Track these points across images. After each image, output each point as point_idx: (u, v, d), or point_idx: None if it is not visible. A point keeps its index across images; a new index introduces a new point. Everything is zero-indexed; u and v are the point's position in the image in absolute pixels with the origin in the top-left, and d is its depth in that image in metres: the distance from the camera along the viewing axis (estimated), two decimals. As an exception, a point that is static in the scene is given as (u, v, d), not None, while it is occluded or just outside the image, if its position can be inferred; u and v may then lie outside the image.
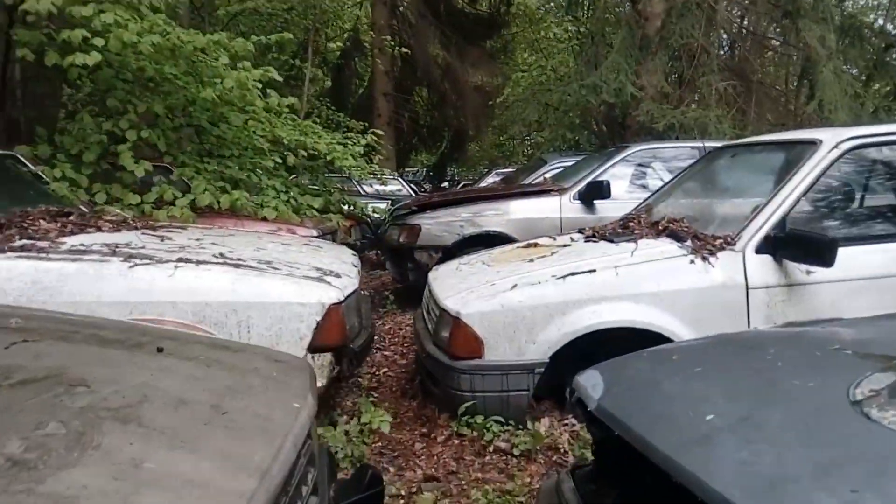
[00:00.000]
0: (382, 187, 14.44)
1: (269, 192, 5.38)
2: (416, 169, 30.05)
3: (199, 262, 2.69)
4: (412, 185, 23.91)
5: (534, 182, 6.67)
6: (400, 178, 15.20)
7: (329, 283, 2.77)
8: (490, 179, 14.34)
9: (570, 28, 10.22)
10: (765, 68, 9.18)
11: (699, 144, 5.69)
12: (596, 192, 5.20)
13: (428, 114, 22.00)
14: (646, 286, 2.82)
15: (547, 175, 7.68)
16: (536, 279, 2.91)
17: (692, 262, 2.86)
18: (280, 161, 5.75)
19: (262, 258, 2.92)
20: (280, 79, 4.95)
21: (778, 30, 8.68)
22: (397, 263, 5.52)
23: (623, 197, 5.42)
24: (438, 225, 5.22)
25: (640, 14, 8.47)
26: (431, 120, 21.93)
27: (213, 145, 5.49)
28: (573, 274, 2.88)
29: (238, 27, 14.01)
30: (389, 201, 10.99)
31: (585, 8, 8.77)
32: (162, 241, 3.07)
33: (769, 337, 1.78)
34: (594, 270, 2.88)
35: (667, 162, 5.71)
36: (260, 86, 4.94)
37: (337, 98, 20.25)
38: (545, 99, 9.53)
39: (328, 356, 2.69)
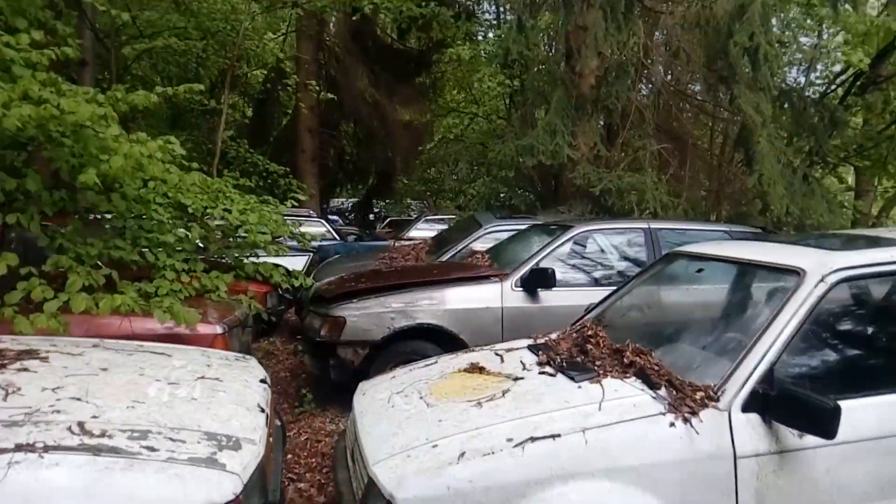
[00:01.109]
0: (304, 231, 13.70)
1: (168, 275, 4.64)
2: (342, 201, 29.15)
3: (45, 449, 2.00)
4: (336, 223, 23.16)
5: (469, 256, 6.19)
6: (324, 221, 14.47)
7: (224, 465, 2.13)
8: (421, 227, 13.84)
9: (504, 81, 9.91)
10: (696, 129, 9.16)
11: (644, 226, 5.38)
12: (540, 280, 4.77)
13: (355, 150, 21.39)
14: (622, 458, 2.33)
15: (484, 238, 7.28)
16: (489, 445, 2.37)
17: (672, 424, 2.41)
18: (185, 234, 5.01)
19: (137, 425, 2.25)
20: (184, 151, 4.26)
21: (712, 94, 8.67)
22: (319, 358, 4.87)
23: (568, 281, 5.03)
24: (366, 317, 4.62)
25: (575, 73, 8.27)
26: (358, 156, 21.31)
27: (100, 217, 4.72)
28: (533, 440, 2.37)
29: (150, 60, 13.02)
30: (310, 254, 10.37)
31: (520, 64, 8.49)
32: (5, 396, 2.34)
33: None
34: (558, 435, 2.38)
35: (613, 242, 5.38)
36: (160, 155, 4.23)
37: (259, 130, 19.39)
38: (477, 154, 9.16)
39: (218, 570, 2.04)
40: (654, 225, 5.38)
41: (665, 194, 7.57)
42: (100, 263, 4.17)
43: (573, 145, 7.86)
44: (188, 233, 4.95)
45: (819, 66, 13.94)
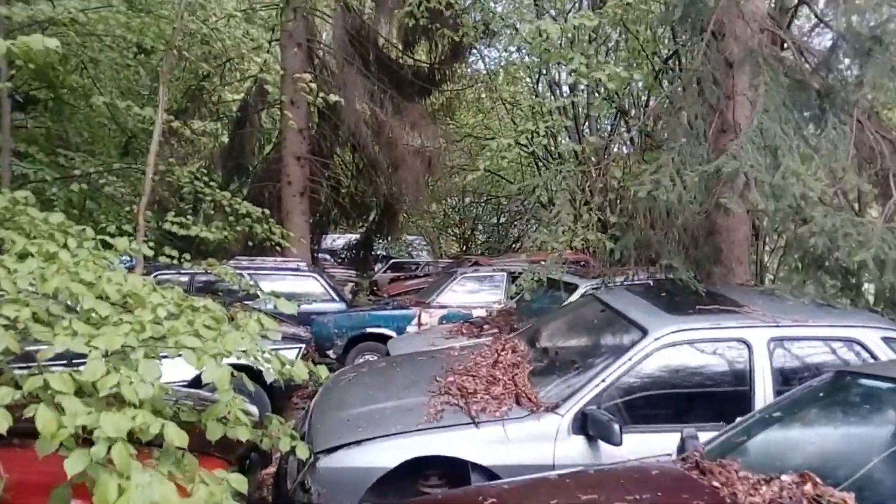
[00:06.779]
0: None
1: None
2: (335, 237, 25.28)
3: None
4: (327, 262, 18.87)
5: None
6: (318, 276, 10.54)
7: None
8: (456, 288, 9.66)
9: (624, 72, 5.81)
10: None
11: None
12: None
13: (353, 181, 17.59)
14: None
15: (658, 355, 3.60)
16: None
17: None
18: None
19: None
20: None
21: None
22: None
23: None
24: None
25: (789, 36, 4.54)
26: (357, 188, 17.49)
27: None
28: None
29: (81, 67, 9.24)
30: (301, 346, 6.77)
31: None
32: None
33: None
34: None
35: None
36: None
37: (235, 160, 15.67)
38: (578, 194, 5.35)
39: None
40: None
41: None
42: None
43: (799, 173, 4.09)
44: None
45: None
